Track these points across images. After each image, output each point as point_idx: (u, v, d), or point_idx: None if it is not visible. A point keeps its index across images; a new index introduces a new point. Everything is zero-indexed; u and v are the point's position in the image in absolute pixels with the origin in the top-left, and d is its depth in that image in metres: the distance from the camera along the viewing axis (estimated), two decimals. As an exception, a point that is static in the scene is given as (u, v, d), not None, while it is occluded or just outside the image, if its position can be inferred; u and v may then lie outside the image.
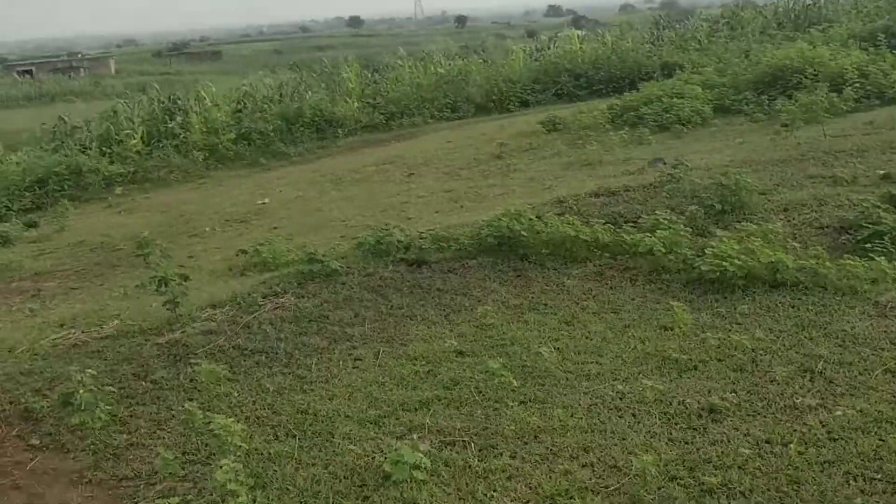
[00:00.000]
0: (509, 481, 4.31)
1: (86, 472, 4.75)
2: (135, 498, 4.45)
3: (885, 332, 5.56)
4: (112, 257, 10.43)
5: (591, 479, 4.26)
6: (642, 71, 21.70)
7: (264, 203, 13.07)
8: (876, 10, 21.92)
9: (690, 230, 7.45)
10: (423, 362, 5.86)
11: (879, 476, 4.00)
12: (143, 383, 5.76)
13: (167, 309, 6.75)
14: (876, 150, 9.82)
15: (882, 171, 8.82)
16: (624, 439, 4.60)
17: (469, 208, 10.13)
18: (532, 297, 6.85)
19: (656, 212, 7.89)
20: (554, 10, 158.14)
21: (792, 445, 4.31)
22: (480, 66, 24.90)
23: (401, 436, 4.83)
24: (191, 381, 5.73)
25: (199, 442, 4.90)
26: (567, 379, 5.39)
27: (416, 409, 5.18)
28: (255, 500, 4.21)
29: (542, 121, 15.60)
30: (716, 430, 4.58)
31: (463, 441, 4.74)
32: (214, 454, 4.50)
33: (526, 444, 4.66)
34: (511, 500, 4.15)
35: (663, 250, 7.11)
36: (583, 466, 4.38)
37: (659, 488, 4.08)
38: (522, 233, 7.53)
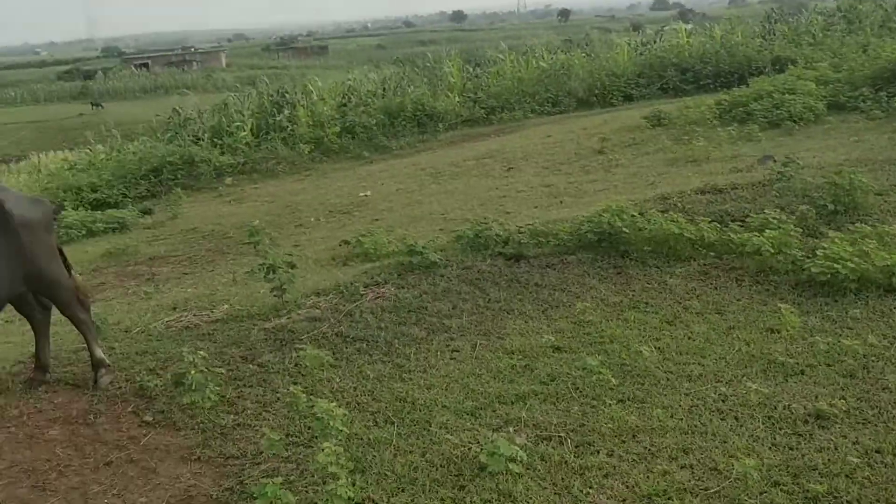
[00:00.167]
0: (606, 479, 4.29)
1: (195, 449, 4.98)
2: (240, 476, 4.64)
3: None
4: (222, 244, 10.84)
5: (690, 480, 4.19)
6: (752, 66, 21.02)
7: (366, 195, 13.31)
8: None
9: (800, 230, 7.21)
10: (520, 356, 5.88)
11: None
12: (251, 366, 5.98)
13: (274, 295, 6.98)
14: None
15: None
16: (725, 442, 4.50)
17: (569, 204, 10.06)
18: (633, 295, 6.77)
19: (765, 211, 7.67)
20: (660, 4, 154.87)
21: (905, 457, 4.14)
22: (583, 59, 24.63)
23: (497, 428, 4.87)
24: (295, 365, 5.92)
25: (302, 425, 5.06)
26: (667, 379, 5.31)
27: (512, 403, 5.21)
28: (354, 484, 4.32)
29: (647, 115, 15.32)
30: (822, 437, 4.44)
31: (559, 436, 4.74)
32: (316, 437, 4.64)
33: (623, 442, 4.62)
34: (607, 498, 4.13)
35: (771, 250, 6.90)
36: (682, 468, 4.32)
37: (761, 493, 3.99)
38: (624, 229, 7.43)
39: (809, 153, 10.62)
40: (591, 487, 4.22)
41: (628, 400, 5.08)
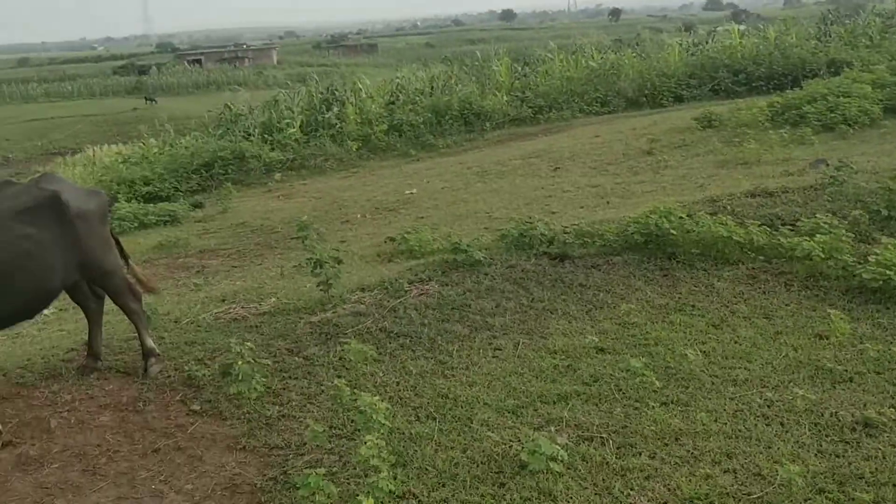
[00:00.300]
0: (647, 481, 4.27)
1: (240, 438, 5.07)
2: (284, 466, 4.72)
3: None
4: (270, 239, 10.99)
5: (732, 485, 4.16)
6: (806, 68, 20.63)
7: (412, 193, 13.36)
8: None
9: (852, 236, 7.08)
10: (563, 356, 5.88)
11: None
12: (296, 359, 6.07)
13: (320, 290, 7.06)
14: None
15: None
16: (770, 448, 4.45)
17: (615, 205, 9.99)
18: (679, 298, 6.71)
19: (816, 215, 7.54)
20: (713, 4, 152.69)
21: (957, 469, 4.05)
22: (633, 59, 24.40)
23: (538, 427, 4.88)
24: (340, 359, 5.99)
25: (345, 417, 5.13)
26: (713, 383, 5.26)
27: (554, 402, 5.21)
28: (395, 477, 4.37)
29: (697, 117, 15.12)
30: (870, 445, 4.36)
31: (601, 437, 4.73)
32: (359, 430, 4.69)
33: (666, 445, 4.59)
34: (648, 500, 4.11)
35: (822, 255, 6.79)
36: (725, 472, 4.28)
37: (805, 500, 3.94)
38: (672, 231, 7.37)
39: (864, 157, 10.39)
40: (632, 489, 4.21)
41: (672, 403, 5.04)
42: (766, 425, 4.71)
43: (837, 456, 4.31)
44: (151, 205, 14.57)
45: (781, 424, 4.70)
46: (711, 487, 4.15)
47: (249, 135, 20.08)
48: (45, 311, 7.57)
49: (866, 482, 4.03)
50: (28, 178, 6.62)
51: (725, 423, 4.76)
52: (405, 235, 9.02)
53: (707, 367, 5.48)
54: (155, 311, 6.97)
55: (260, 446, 4.95)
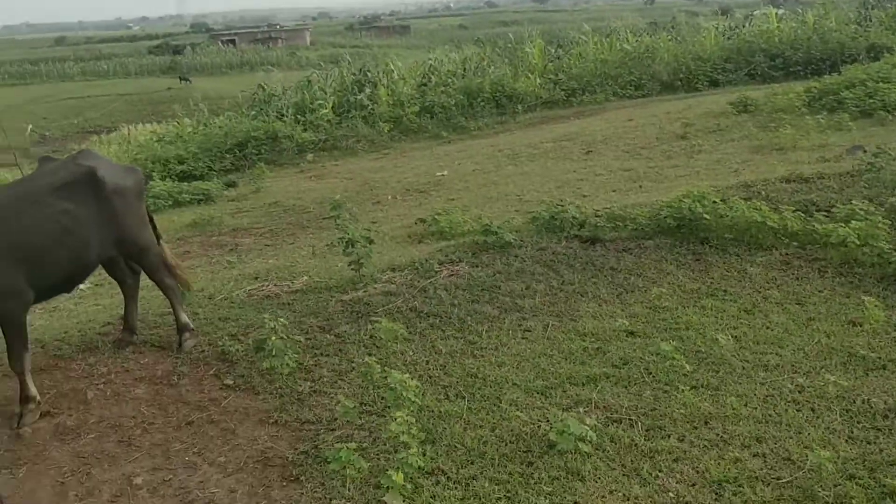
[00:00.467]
0: (675, 463, 4.28)
1: (273, 413, 5.15)
2: (315, 441, 4.79)
3: None
4: (302, 219, 11.06)
5: (762, 469, 4.15)
6: (845, 53, 20.24)
7: (443, 175, 13.36)
8: None
9: (889, 223, 6.96)
10: (593, 339, 5.88)
11: None
12: (328, 336, 6.14)
13: (352, 269, 7.12)
14: None
15: None
16: (800, 433, 4.44)
17: (648, 188, 9.92)
18: (711, 283, 6.67)
19: (852, 201, 7.43)
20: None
21: None
22: (669, 43, 24.10)
23: (567, 408, 4.90)
24: (370, 337, 6.05)
25: (375, 394, 5.19)
26: (743, 368, 5.24)
27: (583, 384, 5.22)
28: (424, 454, 4.42)
29: (733, 101, 14.92)
30: (903, 433, 4.32)
31: (630, 419, 4.74)
32: (389, 407, 4.74)
33: (695, 428, 4.59)
34: (677, 483, 4.12)
35: (857, 242, 6.70)
36: (754, 456, 4.28)
37: (835, 485, 3.93)
38: (705, 215, 7.31)
39: (903, 144, 10.21)
40: (660, 471, 4.22)
41: (702, 387, 5.04)
42: (797, 411, 4.68)
43: (868, 442, 4.28)
44: (185, 183, 14.71)
45: (812, 410, 4.67)
46: (740, 471, 4.14)
47: (282, 115, 20.18)
48: (81, 286, 7.72)
49: (898, 469, 4.01)
50: (65, 156, 6.72)
51: (756, 408, 4.74)
52: (436, 217, 9.04)
53: (738, 351, 5.46)
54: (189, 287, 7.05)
55: (292, 421, 5.02)
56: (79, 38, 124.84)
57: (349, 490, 4.23)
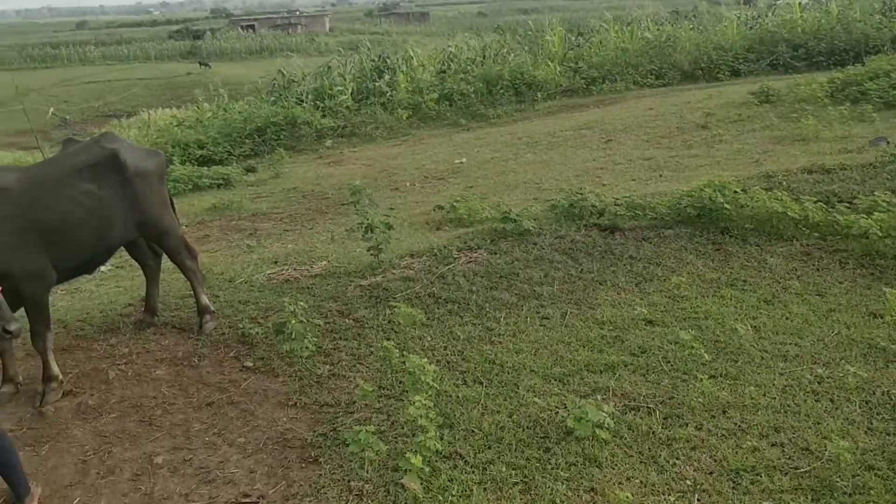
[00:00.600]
0: (693, 451, 4.28)
1: (292, 395, 5.20)
2: (334, 423, 4.82)
3: None
4: (321, 204, 11.09)
5: (780, 458, 4.15)
6: (869, 44, 19.98)
7: (461, 162, 13.34)
8: None
9: (912, 214, 6.90)
10: (611, 327, 5.88)
11: None
12: (346, 320, 6.17)
13: (371, 254, 7.14)
14: None
15: None
16: (819, 423, 4.43)
17: (668, 178, 9.87)
18: (730, 273, 6.65)
19: (874, 193, 7.38)
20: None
21: None
22: (690, 32, 23.90)
23: (585, 395, 4.91)
24: (389, 322, 6.07)
25: (393, 378, 5.22)
26: (762, 358, 5.23)
27: (601, 372, 5.23)
28: (442, 438, 4.45)
29: (754, 91, 14.79)
30: (923, 426, 4.30)
31: (648, 407, 4.74)
32: (407, 391, 4.77)
33: (713, 417, 4.59)
34: (694, 470, 4.13)
35: (879, 234, 6.65)
36: (772, 445, 4.27)
37: (853, 476, 3.92)
38: (725, 205, 7.28)
39: (927, 135, 10.10)
40: (678, 459, 4.23)
41: (720, 376, 5.03)
42: (816, 401, 4.67)
43: (888, 434, 4.27)
44: (205, 168, 14.74)
45: (831, 401, 4.66)
46: (758, 460, 4.14)
47: (301, 101, 20.17)
48: (102, 268, 7.80)
49: (917, 461, 3.99)
50: (86, 139, 6.77)
51: (774, 398, 4.73)
52: (454, 204, 9.03)
53: (757, 342, 5.45)
54: (210, 270, 7.13)
55: (310, 403, 5.06)
56: (100, 22, 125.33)
57: (367, 472, 4.27)
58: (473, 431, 4.60)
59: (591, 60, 22.21)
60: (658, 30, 24.55)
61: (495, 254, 7.34)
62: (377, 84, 20.79)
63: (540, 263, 7.08)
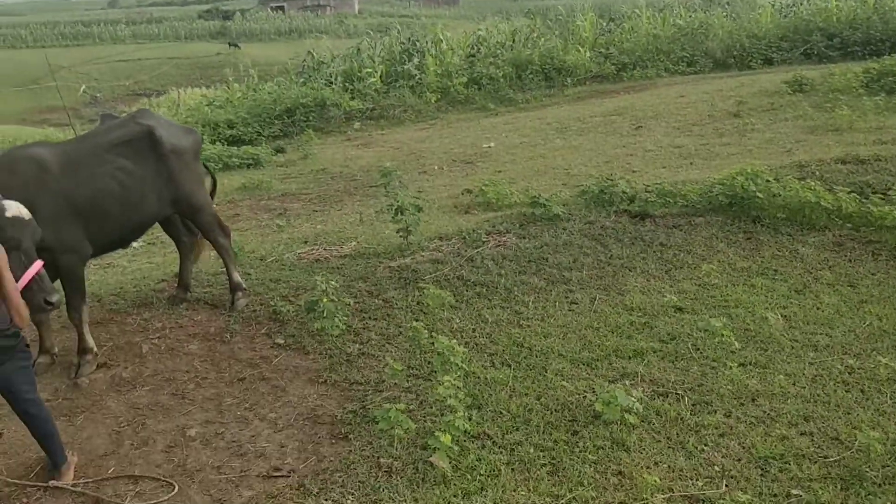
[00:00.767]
0: (722, 438, 4.29)
1: (322, 372, 5.26)
2: (363, 401, 4.88)
3: None
4: (350, 186, 11.13)
5: (809, 447, 4.14)
6: (906, 34, 19.66)
7: (490, 147, 13.32)
8: None
9: (948, 207, 6.83)
10: (640, 313, 5.88)
11: None
12: (376, 300, 6.22)
13: (400, 236, 7.18)
14: None
15: None
16: (849, 413, 4.41)
17: (699, 166, 9.80)
18: (761, 262, 6.61)
19: (910, 184, 7.30)
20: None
21: None
22: (723, 19, 23.62)
23: (613, 380, 4.92)
24: (418, 303, 6.11)
25: (422, 359, 5.26)
26: (792, 347, 5.21)
27: (629, 357, 5.24)
28: (470, 418, 4.48)
29: (788, 80, 14.60)
30: (956, 418, 4.28)
31: (676, 393, 4.75)
32: (436, 372, 4.81)
33: (742, 405, 4.59)
34: (722, 457, 4.13)
35: (914, 225, 6.58)
36: (801, 434, 4.27)
37: (883, 466, 3.92)
38: (758, 194, 7.23)
39: (965, 127, 9.96)
40: (706, 445, 4.24)
41: (750, 364, 5.02)
42: (846, 391, 4.65)
43: (920, 426, 4.25)
44: (235, 147, 14.83)
45: (862, 391, 4.64)
46: (787, 448, 4.14)
47: (331, 83, 20.17)
48: (134, 244, 7.89)
49: (949, 454, 3.97)
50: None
51: (804, 387, 4.72)
52: (483, 188, 9.03)
53: (787, 331, 5.43)
54: (241, 248, 7.19)
55: (340, 381, 5.12)
56: (130, 1, 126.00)
57: (396, 449, 4.32)
58: (501, 413, 4.64)
59: (622, 46, 22.00)
60: (690, 16, 24.29)
61: (524, 238, 7.35)
62: (406, 67, 20.75)
63: (569, 248, 7.08)
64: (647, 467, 4.10)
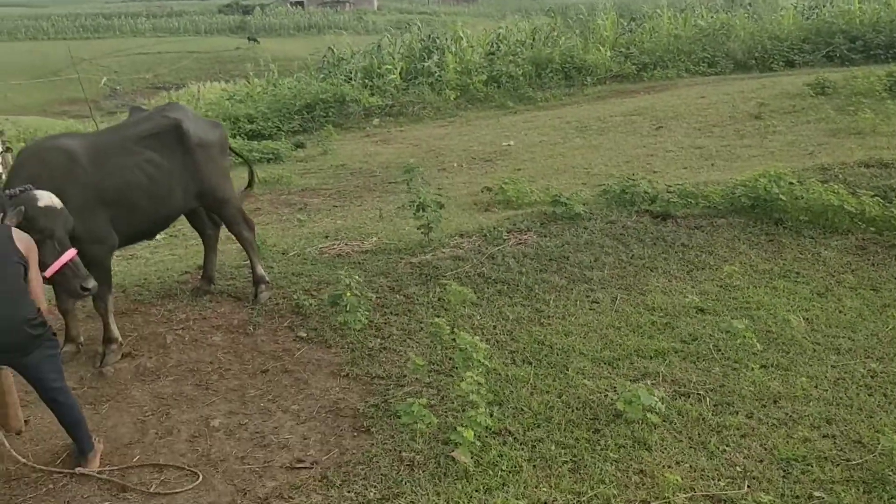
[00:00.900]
0: (743, 439, 4.30)
1: (344, 366, 5.30)
2: (385, 395, 4.91)
3: None
4: (369, 182, 11.17)
5: (831, 450, 4.15)
6: (931, 38, 19.50)
7: (509, 145, 13.33)
8: None
9: (973, 212, 6.79)
10: (661, 313, 5.89)
11: None
12: (397, 296, 6.25)
13: (421, 232, 7.21)
14: None
15: None
16: (871, 417, 4.41)
17: (720, 167, 9.78)
18: (783, 264, 6.60)
19: (935, 189, 7.25)
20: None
21: None
22: (745, 20, 23.50)
23: (634, 380, 4.93)
24: (439, 299, 6.14)
25: (443, 355, 5.29)
26: (814, 350, 5.21)
27: (651, 357, 5.25)
28: (492, 415, 4.51)
29: (810, 83, 14.53)
30: (980, 424, 4.26)
31: (698, 394, 4.76)
32: (457, 367, 4.84)
33: (764, 406, 4.60)
34: (744, 458, 4.14)
35: (938, 230, 6.55)
36: (823, 437, 4.27)
37: (906, 471, 3.90)
38: (781, 196, 7.21)
39: None
40: (727, 445, 4.24)
41: (772, 366, 5.02)
42: (869, 395, 4.65)
43: (944, 431, 4.24)
44: (255, 142, 14.91)
45: (885, 395, 4.64)
46: (809, 450, 4.14)
47: (350, 79, 20.23)
48: (157, 236, 7.95)
49: (973, 459, 3.96)
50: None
51: (826, 390, 4.72)
52: (503, 185, 9.05)
53: (809, 334, 5.42)
54: (264, 242, 7.24)
55: (362, 374, 5.16)
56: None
57: (418, 443, 4.35)
58: (523, 410, 4.66)
59: (643, 46, 21.92)
60: (712, 17, 24.17)
61: (545, 236, 7.37)
62: (426, 64, 20.76)
63: (590, 248, 7.09)
64: (669, 466, 4.11)
